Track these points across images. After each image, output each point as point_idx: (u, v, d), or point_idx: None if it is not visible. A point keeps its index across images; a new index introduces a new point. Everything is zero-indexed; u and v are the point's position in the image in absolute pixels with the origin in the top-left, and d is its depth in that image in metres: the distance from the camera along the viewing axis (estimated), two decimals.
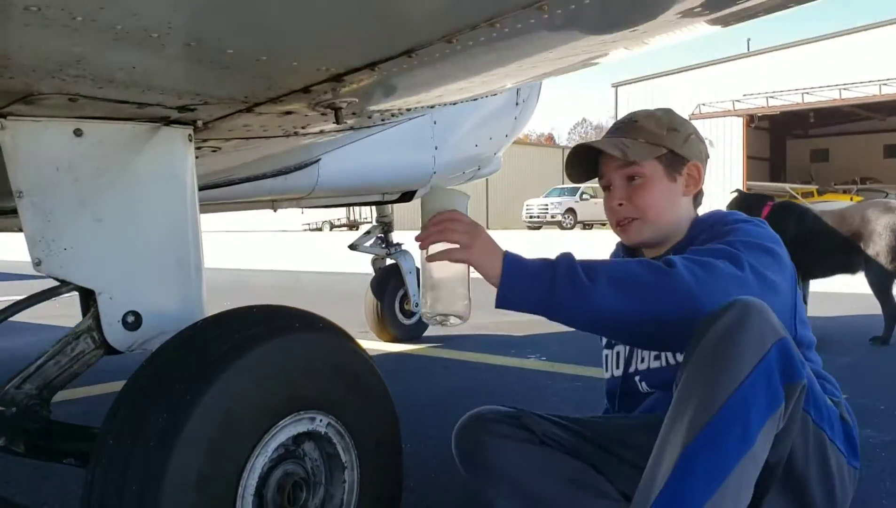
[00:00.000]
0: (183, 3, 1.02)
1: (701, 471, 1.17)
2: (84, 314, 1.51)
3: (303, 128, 1.89)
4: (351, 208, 34.45)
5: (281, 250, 15.24)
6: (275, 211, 3.99)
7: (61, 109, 1.41)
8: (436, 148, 4.00)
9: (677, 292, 1.32)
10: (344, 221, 32.17)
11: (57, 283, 1.48)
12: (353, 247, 4.87)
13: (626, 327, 1.37)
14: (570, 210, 27.27)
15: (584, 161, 1.72)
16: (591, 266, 1.37)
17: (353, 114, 1.81)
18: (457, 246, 1.39)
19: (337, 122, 1.60)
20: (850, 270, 4.66)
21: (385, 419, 1.57)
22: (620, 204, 1.66)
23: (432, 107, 2.03)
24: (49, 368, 1.45)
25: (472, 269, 1.43)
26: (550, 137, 64.73)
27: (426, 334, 4.98)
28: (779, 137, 31.99)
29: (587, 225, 27.06)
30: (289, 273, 12.09)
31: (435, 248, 1.41)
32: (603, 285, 1.33)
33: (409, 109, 1.96)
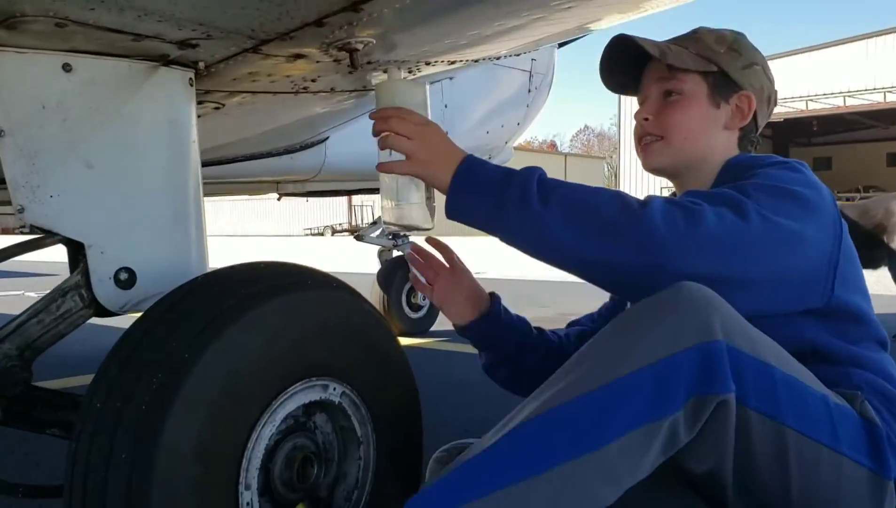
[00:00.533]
0: None
1: (524, 450, 0.99)
2: (72, 270, 1.37)
3: (313, 81, 1.75)
4: (353, 211, 34.40)
5: (283, 255, 15.07)
6: (279, 198, 3.85)
7: (49, 39, 1.27)
8: (446, 133, 3.85)
9: (641, 243, 1.09)
10: (346, 225, 32.11)
11: (41, 234, 1.33)
12: (358, 238, 4.73)
13: (575, 265, 1.17)
14: None
15: (625, 70, 1.49)
16: (551, 186, 1.17)
17: (368, 63, 1.66)
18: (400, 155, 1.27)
19: (352, 66, 1.45)
20: (872, 264, 4.51)
21: (404, 390, 1.42)
22: (647, 119, 1.45)
23: (453, 63, 1.89)
24: (31, 326, 1.30)
25: None
26: (553, 145, 64.64)
27: (434, 327, 4.83)
28: (782, 145, 31.84)
29: None
30: None
31: (384, 155, 1.31)
32: (554, 213, 1.13)
33: (427, 64, 1.81)
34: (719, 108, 1.42)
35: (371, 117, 1.33)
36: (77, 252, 1.35)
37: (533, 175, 1.19)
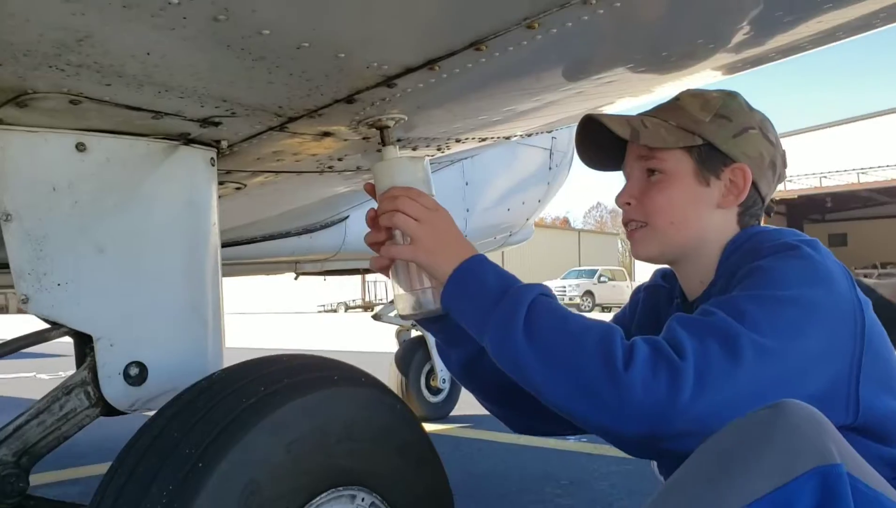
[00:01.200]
0: None
1: None
2: (79, 365, 1.25)
3: (339, 160, 1.67)
4: (366, 288, 34.36)
5: (297, 332, 15.00)
6: (296, 277, 3.76)
7: (62, 117, 1.19)
8: (467, 210, 3.79)
9: (622, 413, 0.98)
10: (359, 302, 32.04)
11: (47, 325, 1.23)
12: (376, 317, 4.61)
13: (552, 406, 1.07)
14: (589, 292, 27.00)
15: (606, 144, 1.32)
16: (538, 319, 1.06)
17: (398, 141, 1.58)
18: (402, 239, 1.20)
19: (383, 144, 1.37)
20: None
21: (438, 499, 1.28)
22: (629, 203, 1.29)
23: (484, 140, 1.81)
24: (31, 429, 1.18)
25: None
26: (566, 221, 64.92)
27: (455, 412, 4.65)
28: (796, 221, 31.81)
29: (606, 308, 26.75)
30: (307, 352, 11.77)
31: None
32: (536, 354, 1.04)
33: (458, 141, 1.73)
34: (709, 185, 1.24)
35: (378, 199, 1.25)
36: (84, 345, 1.24)
37: (524, 300, 1.08)
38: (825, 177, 25.42)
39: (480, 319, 1.11)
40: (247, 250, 2.79)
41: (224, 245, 2.82)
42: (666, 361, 0.99)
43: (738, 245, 1.22)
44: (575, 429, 1.47)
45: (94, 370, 1.23)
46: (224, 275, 3.44)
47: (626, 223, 1.32)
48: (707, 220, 1.25)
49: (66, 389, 1.21)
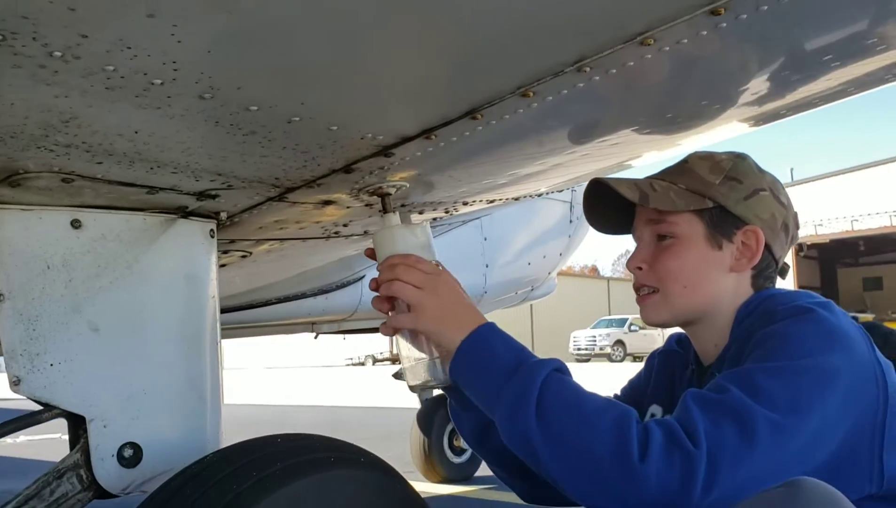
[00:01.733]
0: (191, 31, 0.78)
1: None
2: (72, 447, 1.22)
3: (345, 226, 1.64)
4: (394, 341, 34.18)
5: (323, 386, 14.94)
6: (315, 337, 3.73)
7: (56, 195, 1.18)
8: (486, 266, 3.76)
9: (635, 505, 0.95)
10: (387, 354, 31.95)
11: (39, 407, 1.20)
12: (397, 376, 4.54)
13: (554, 484, 1.03)
14: (619, 342, 26.67)
15: (614, 206, 1.29)
16: (552, 399, 1.02)
17: (403, 205, 1.55)
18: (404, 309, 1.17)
19: (384, 210, 1.34)
20: None
21: None
22: (640, 267, 1.26)
23: (492, 202, 1.78)
24: None
25: None
26: (594, 269, 64.58)
27: (479, 472, 4.55)
28: (829, 266, 31.33)
29: (638, 357, 26.38)
30: (331, 409, 11.70)
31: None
32: (547, 439, 1.00)
33: (465, 204, 1.70)
34: (721, 248, 1.21)
35: (378, 269, 1.21)
36: (78, 427, 1.21)
37: (538, 377, 1.04)
38: (856, 220, 25.08)
39: (490, 396, 1.07)
40: (262, 312, 2.77)
41: (238, 308, 2.82)
42: (680, 450, 0.94)
43: (751, 309, 1.19)
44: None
45: (86, 453, 1.19)
46: (239, 337, 3.42)
47: (637, 289, 1.28)
48: (720, 284, 1.22)
49: (57, 473, 1.18)
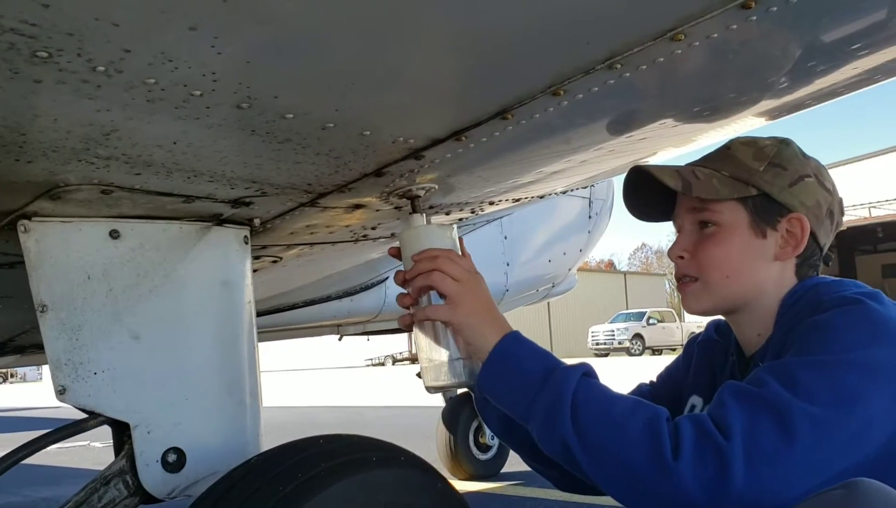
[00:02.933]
0: (230, 43, 0.80)
1: None
2: (117, 453, 1.24)
3: (373, 229, 1.66)
4: (413, 340, 34.26)
5: (345, 386, 15.00)
6: (340, 338, 3.75)
7: (94, 206, 1.20)
8: (507, 264, 3.76)
9: (671, 504, 0.95)
10: (406, 354, 32.00)
11: (84, 415, 1.22)
12: (420, 376, 4.56)
13: (593, 486, 1.06)
14: (638, 336, 26.59)
15: (654, 194, 1.27)
16: (584, 403, 1.03)
17: (430, 207, 1.56)
18: (440, 302, 1.16)
19: (413, 211, 1.35)
20: None
21: None
22: (681, 256, 1.24)
23: (517, 200, 1.79)
24: None
25: None
26: (611, 264, 64.38)
27: (505, 469, 4.55)
28: (847, 253, 31.03)
29: (656, 351, 26.29)
30: (354, 409, 11.75)
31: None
32: (582, 444, 1.01)
33: (491, 203, 1.72)
34: (765, 237, 1.19)
35: (414, 259, 1.21)
36: (122, 433, 1.23)
37: (570, 383, 1.05)
38: (874, 207, 24.84)
39: (523, 407, 1.09)
40: (288, 316, 2.79)
41: (265, 313, 2.84)
42: (712, 444, 0.95)
43: (796, 298, 1.17)
44: None
45: (131, 459, 1.21)
46: (266, 340, 3.45)
47: (679, 278, 1.27)
48: (763, 273, 1.20)
49: (104, 479, 1.20)
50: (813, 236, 1.21)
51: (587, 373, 1.08)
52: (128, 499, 1.21)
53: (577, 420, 1.02)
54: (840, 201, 1.27)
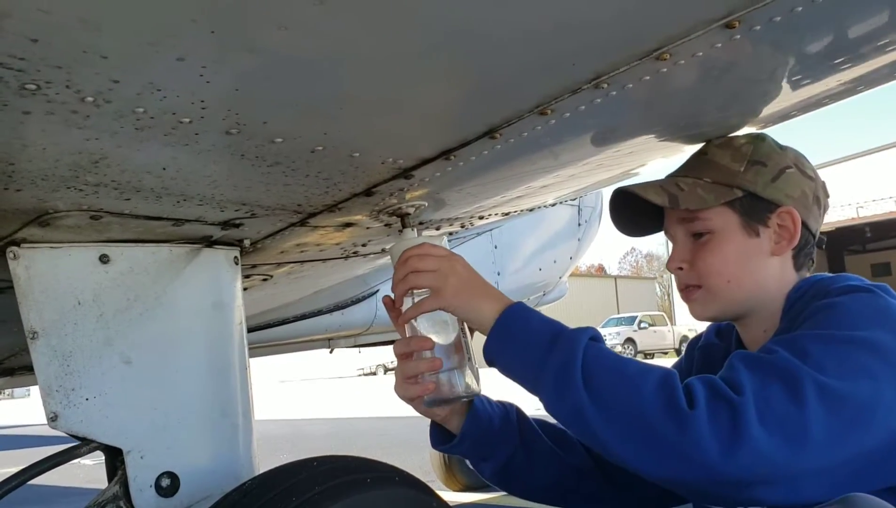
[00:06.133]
0: (219, 71, 0.80)
1: None
2: (110, 479, 1.24)
3: (363, 246, 1.66)
4: None
5: (337, 397, 14.95)
6: (331, 351, 3.74)
7: (84, 232, 1.20)
8: (498, 274, 3.76)
9: (689, 458, 0.94)
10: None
11: (76, 441, 1.22)
12: None
13: (616, 462, 1.02)
14: (630, 340, 26.65)
15: (641, 209, 1.29)
16: (595, 362, 1.02)
17: (420, 223, 1.57)
18: (424, 293, 1.16)
19: (403, 228, 1.36)
20: None
21: None
22: (680, 268, 1.26)
23: (507, 214, 1.79)
24: None
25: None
26: (601, 268, 64.52)
27: None
28: (836, 253, 31.21)
29: (648, 354, 26.35)
30: (346, 421, 11.72)
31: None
32: (596, 404, 1.00)
33: (480, 218, 1.72)
34: (759, 235, 1.21)
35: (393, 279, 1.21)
36: (115, 459, 1.23)
37: (580, 343, 1.04)
38: (862, 207, 25.02)
39: (532, 371, 1.07)
40: (279, 331, 2.78)
41: (255, 328, 2.84)
42: (725, 400, 0.95)
43: (802, 292, 1.18)
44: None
45: (125, 484, 1.21)
46: (258, 356, 3.44)
47: (682, 289, 1.28)
48: (764, 271, 1.21)
49: (98, 506, 1.19)
50: (804, 224, 1.22)
51: (594, 337, 1.07)
52: None
53: (588, 380, 1.01)
54: (823, 183, 1.28)
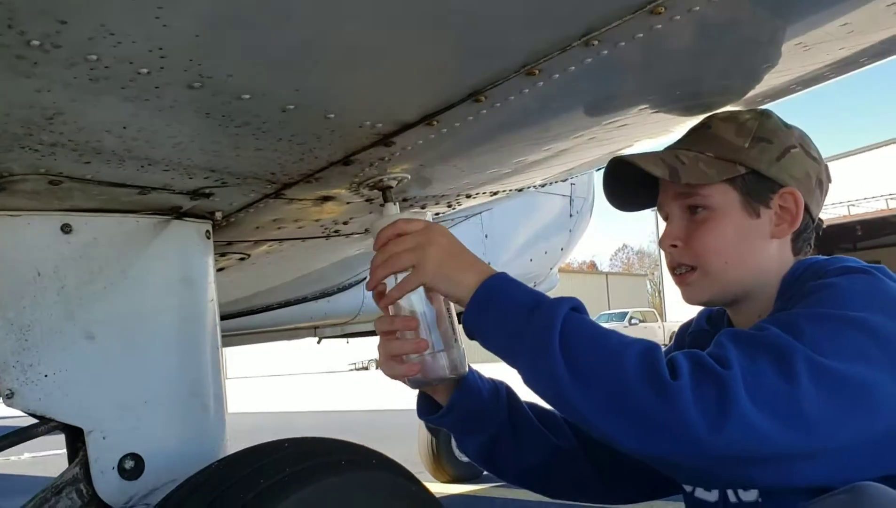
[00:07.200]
0: (177, 15, 0.73)
1: None
2: (70, 460, 1.17)
3: (345, 224, 1.59)
4: None
5: (327, 391, 14.91)
6: (319, 341, 3.68)
7: (43, 199, 1.13)
8: (488, 264, 3.70)
9: (673, 434, 0.88)
10: None
11: (35, 420, 1.15)
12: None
13: (596, 435, 0.96)
14: None
15: (635, 184, 1.22)
16: (575, 333, 0.96)
17: (405, 201, 1.51)
18: (406, 273, 1.08)
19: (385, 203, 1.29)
20: None
21: None
22: (674, 245, 1.19)
23: (495, 193, 1.73)
24: None
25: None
26: (592, 264, 64.57)
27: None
28: (827, 252, 31.15)
29: None
30: (336, 413, 11.66)
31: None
32: (575, 376, 0.93)
33: (468, 196, 1.66)
34: (759, 216, 1.15)
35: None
36: (76, 439, 1.16)
37: (559, 312, 0.98)
38: (853, 205, 25.08)
39: (510, 342, 1.01)
40: (263, 318, 2.72)
41: (238, 314, 2.77)
42: (711, 374, 0.89)
43: (797, 275, 1.12)
44: (615, 498, 1.37)
45: (86, 466, 1.14)
46: (242, 343, 3.37)
47: (673, 268, 1.21)
48: (762, 254, 1.15)
49: (56, 488, 1.13)
50: (806, 208, 1.16)
51: (576, 307, 1.01)
52: None
53: (567, 350, 0.94)
54: (826, 167, 1.22)
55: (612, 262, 71.57)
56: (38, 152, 0.99)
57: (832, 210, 24.67)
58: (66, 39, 0.75)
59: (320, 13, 0.77)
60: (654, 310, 31.35)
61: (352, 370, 32.52)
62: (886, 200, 24.71)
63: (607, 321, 27.50)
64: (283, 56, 0.85)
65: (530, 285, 4.34)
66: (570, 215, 4.42)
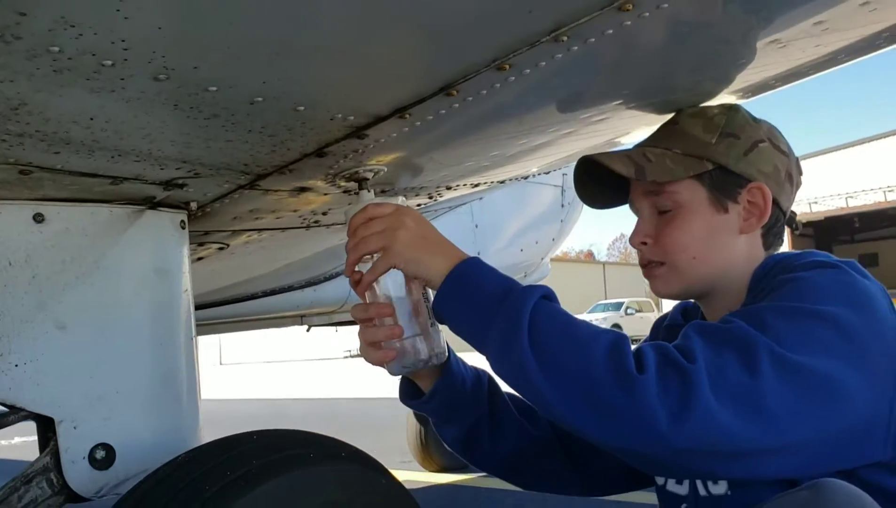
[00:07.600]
0: (138, 6, 0.73)
1: None
2: (41, 450, 1.17)
3: (324, 214, 1.59)
4: None
5: (320, 379, 14.93)
6: (308, 330, 3.67)
7: (14, 188, 1.13)
8: (478, 253, 3.68)
9: (636, 426, 0.88)
10: None
11: (5, 409, 1.15)
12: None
13: (562, 424, 0.96)
14: (616, 326, 26.69)
15: (607, 180, 1.22)
16: (544, 323, 0.96)
17: (383, 192, 1.50)
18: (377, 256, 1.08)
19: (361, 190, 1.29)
20: None
21: None
22: (644, 242, 1.19)
23: (476, 186, 1.73)
24: None
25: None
26: (590, 254, 64.59)
27: None
28: (824, 244, 31.29)
29: (634, 340, 26.41)
30: (327, 401, 11.68)
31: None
32: (541, 366, 0.93)
33: (448, 188, 1.66)
34: (727, 211, 1.15)
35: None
36: (47, 429, 1.16)
37: (529, 300, 0.97)
38: (851, 197, 25.08)
39: (480, 326, 1.01)
40: (248, 306, 2.72)
41: (223, 303, 2.77)
42: (676, 367, 0.89)
43: (767, 270, 1.12)
44: (589, 490, 1.37)
45: (56, 456, 1.14)
46: (227, 331, 3.37)
47: (644, 265, 1.22)
48: (731, 249, 1.16)
49: (26, 478, 1.13)
50: (775, 202, 1.17)
51: (547, 296, 1.01)
52: (51, 498, 1.15)
53: (534, 338, 0.94)
54: (797, 160, 1.22)
55: (610, 251, 71.58)
56: (5, 142, 0.98)
57: (830, 202, 24.67)
58: (25, 31, 0.74)
59: (282, 6, 0.76)
60: (650, 300, 31.36)
61: (347, 357, 32.54)
62: (884, 191, 24.71)
63: (604, 311, 27.54)
64: (248, 48, 0.84)
65: (521, 275, 4.33)
66: (562, 206, 4.41)
